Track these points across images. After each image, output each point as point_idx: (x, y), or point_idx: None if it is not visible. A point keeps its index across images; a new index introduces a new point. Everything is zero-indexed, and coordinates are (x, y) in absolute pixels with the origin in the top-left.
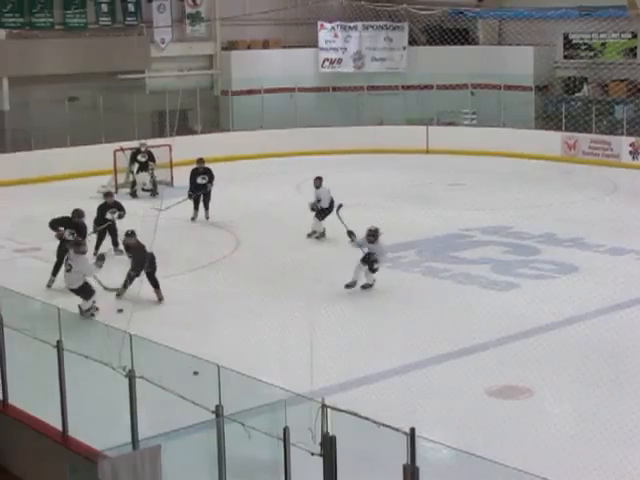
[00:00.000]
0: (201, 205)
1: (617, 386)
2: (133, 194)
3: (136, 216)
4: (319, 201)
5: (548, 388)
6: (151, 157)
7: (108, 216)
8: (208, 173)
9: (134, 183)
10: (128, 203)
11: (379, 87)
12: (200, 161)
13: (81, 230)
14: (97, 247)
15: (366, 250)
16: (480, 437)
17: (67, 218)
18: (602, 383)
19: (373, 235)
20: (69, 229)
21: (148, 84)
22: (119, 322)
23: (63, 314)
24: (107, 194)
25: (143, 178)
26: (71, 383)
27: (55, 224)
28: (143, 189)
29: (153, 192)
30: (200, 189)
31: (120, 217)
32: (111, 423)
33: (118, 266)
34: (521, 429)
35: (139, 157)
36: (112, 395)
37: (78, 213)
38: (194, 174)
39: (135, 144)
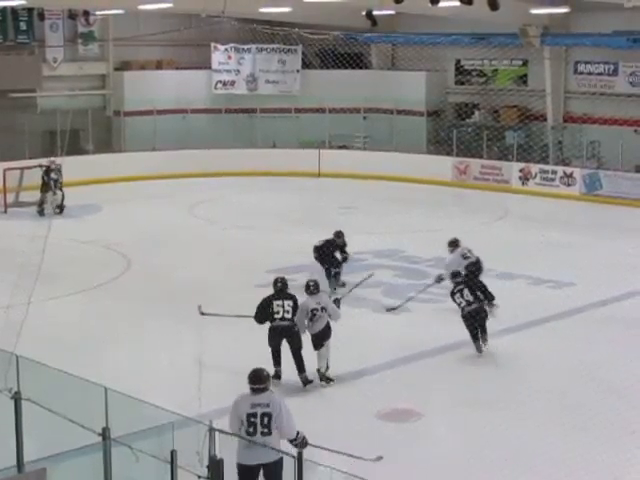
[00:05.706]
0: None
1: (506, 407)
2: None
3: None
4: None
5: (438, 411)
6: (61, 174)
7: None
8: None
9: (42, 202)
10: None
11: (272, 110)
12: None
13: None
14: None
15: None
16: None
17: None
18: (492, 405)
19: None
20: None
21: (40, 103)
22: (4, 343)
23: None
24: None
25: (57, 196)
26: None
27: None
28: (57, 207)
29: (61, 210)
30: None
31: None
32: None
33: None
34: (411, 452)
35: (52, 175)
36: None
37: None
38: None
39: (23, 163)
